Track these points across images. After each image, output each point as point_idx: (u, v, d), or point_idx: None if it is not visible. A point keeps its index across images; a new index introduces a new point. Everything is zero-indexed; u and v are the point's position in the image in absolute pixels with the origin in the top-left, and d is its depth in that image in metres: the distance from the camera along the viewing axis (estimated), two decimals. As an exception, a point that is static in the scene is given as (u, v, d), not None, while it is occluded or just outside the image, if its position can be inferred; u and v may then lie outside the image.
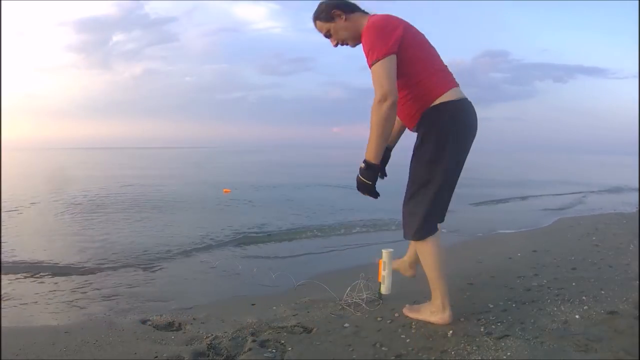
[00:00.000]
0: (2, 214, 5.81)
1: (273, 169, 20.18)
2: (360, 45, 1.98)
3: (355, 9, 2.08)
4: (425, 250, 1.99)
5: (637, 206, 6.95)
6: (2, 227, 4.90)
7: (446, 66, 2.03)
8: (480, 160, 28.52)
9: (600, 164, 31.89)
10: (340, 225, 5.27)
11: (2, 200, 6.87)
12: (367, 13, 2.06)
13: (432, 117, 1.93)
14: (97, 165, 23.48)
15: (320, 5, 2.14)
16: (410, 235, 2.00)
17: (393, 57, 1.84)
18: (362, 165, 1.92)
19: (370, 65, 1.86)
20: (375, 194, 1.95)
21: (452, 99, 1.93)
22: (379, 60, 1.83)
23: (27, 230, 4.93)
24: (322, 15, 2.11)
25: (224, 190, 9.06)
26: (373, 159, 1.88)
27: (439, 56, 2.02)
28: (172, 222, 5.51)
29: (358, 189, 1.96)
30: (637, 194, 8.37)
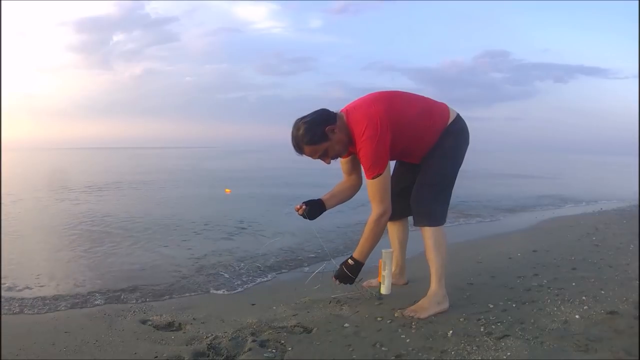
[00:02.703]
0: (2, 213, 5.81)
1: (273, 168, 20.17)
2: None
3: (334, 115, 2.11)
4: (441, 236, 2.18)
5: (637, 206, 6.94)
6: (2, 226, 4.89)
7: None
8: (481, 160, 28.51)
9: (599, 165, 31.87)
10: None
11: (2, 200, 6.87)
12: (337, 113, 2.12)
13: (454, 128, 2.21)
14: (98, 164, 23.47)
15: (304, 128, 2.06)
16: (438, 221, 2.18)
17: (388, 167, 2.09)
18: (351, 262, 2.20)
19: (371, 178, 2.07)
20: (351, 284, 2.26)
21: (457, 114, 2.24)
22: (380, 174, 2.05)
23: (23, 229, 4.93)
24: (316, 137, 2.05)
25: (226, 190, 9.16)
26: (363, 260, 2.20)
27: (423, 97, 2.26)
28: (172, 221, 5.50)
29: (337, 278, 2.25)
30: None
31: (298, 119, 2.12)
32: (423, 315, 2.07)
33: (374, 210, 2.12)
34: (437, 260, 2.15)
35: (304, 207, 2.26)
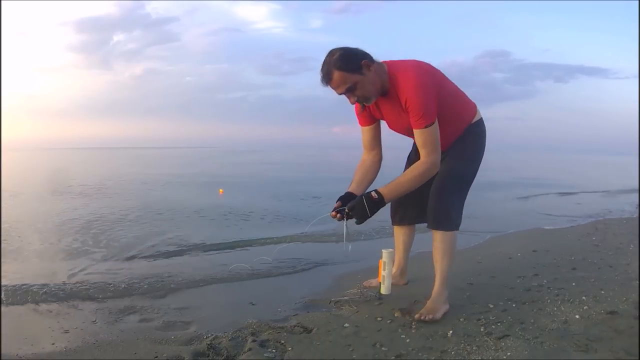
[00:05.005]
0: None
1: (274, 170, 20.17)
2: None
3: (372, 58, 1.94)
4: (453, 240, 2.15)
5: (638, 206, 6.95)
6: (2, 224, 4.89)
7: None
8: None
9: (600, 165, 31.86)
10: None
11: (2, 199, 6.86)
12: (377, 61, 1.95)
13: (478, 130, 2.19)
14: (98, 164, 23.45)
15: (340, 54, 1.87)
16: (454, 226, 2.13)
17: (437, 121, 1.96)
18: (375, 195, 1.93)
19: (423, 127, 1.92)
20: (361, 223, 1.97)
21: (481, 117, 2.21)
22: (432, 124, 1.93)
23: (22, 227, 4.93)
24: (350, 66, 1.86)
25: (219, 190, 9.22)
26: (388, 199, 1.96)
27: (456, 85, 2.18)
28: (171, 221, 5.50)
29: (351, 210, 1.95)
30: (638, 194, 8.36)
31: (334, 48, 1.91)
32: (438, 315, 2.03)
33: (425, 158, 1.96)
34: (444, 264, 2.13)
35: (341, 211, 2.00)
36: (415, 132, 1.97)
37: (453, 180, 2.13)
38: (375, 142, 2.23)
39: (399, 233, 2.51)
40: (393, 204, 2.40)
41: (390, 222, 2.51)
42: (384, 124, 2.22)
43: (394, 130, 2.19)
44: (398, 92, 1.95)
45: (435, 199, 2.13)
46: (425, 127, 1.92)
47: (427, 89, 1.91)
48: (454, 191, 2.14)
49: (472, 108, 2.18)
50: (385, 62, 1.99)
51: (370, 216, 1.94)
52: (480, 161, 2.22)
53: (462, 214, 2.18)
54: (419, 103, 1.89)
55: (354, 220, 1.98)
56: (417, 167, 1.98)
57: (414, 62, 1.99)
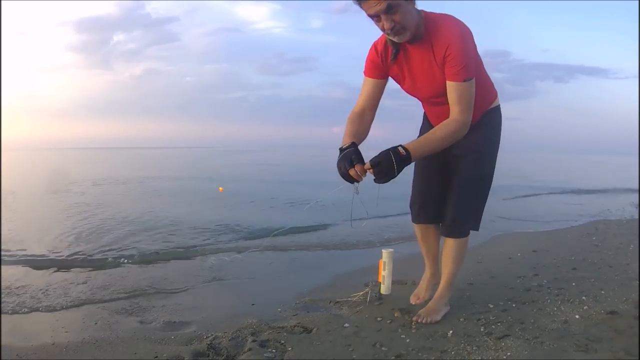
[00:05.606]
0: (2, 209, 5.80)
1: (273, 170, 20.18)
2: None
3: None
4: (465, 246, 2.09)
5: (638, 206, 6.95)
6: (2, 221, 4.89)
7: None
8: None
9: (600, 165, 31.85)
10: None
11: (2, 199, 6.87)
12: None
13: (494, 122, 2.05)
14: (97, 164, 23.45)
15: None
16: (466, 233, 2.06)
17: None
18: (403, 151, 1.67)
19: (462, 80, 1.74)
20: (384, 182, 1.68)
21: (499, 104, 2.08)
22: (471, 79, 1.76)
23: (22, 224, 4.93)
24: None
25: (219, 188, 9.26)
26: (415, 157, 1.71)
27: None
28: (171, 220, 5.49)
29: (376, 166, 1.64)
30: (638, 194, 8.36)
31: None
32: (437, 317, 2.02)
33: (457, 115, 1.77)
34: (453, 269, 2.10)
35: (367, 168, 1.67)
36: (451, 85, 1.77)
37: (471, 185, 2.04)
38: (374, 100, 1.95)
39: (428, 233, 2.26)
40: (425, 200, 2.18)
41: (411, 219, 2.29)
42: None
43: (412, 92, 1.97)
44: (435, 40, 1.76)
45: (453, 206, 2.03)
46: (464, 80, 1.74)
47: (471, 41, 1.75)
48: (473, 197, 2.06)
49: (494, 92, 2.05)
50: (422, 10, 1.79)
51: (396, 175, 1.67)
52: (496, 156, 2.09)
53: (480, 219, 2.10)
54: (463, 52, 1.72)
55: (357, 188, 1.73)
56: (447, 125, 1.78)
57: (453, 17, 1.79)
